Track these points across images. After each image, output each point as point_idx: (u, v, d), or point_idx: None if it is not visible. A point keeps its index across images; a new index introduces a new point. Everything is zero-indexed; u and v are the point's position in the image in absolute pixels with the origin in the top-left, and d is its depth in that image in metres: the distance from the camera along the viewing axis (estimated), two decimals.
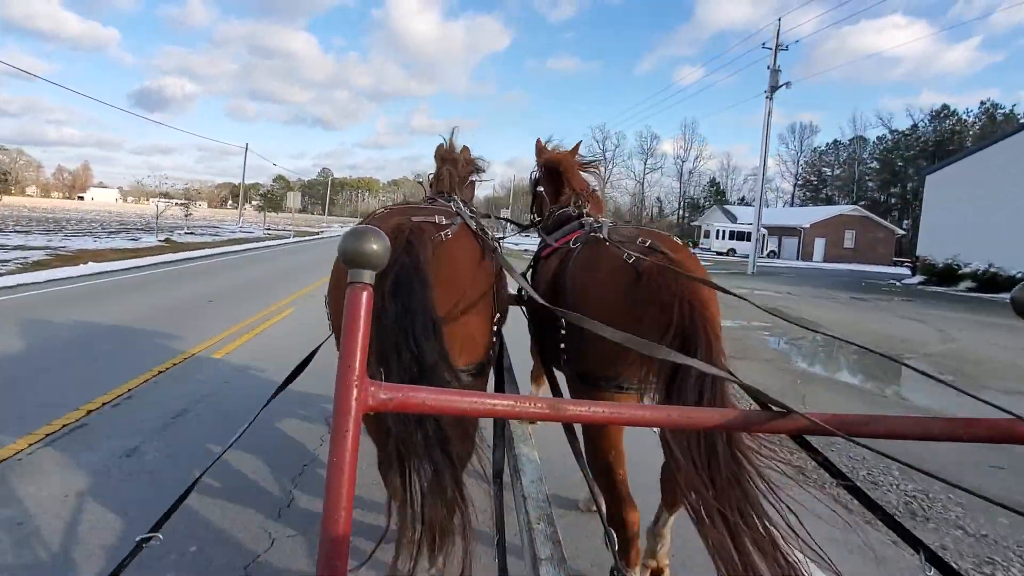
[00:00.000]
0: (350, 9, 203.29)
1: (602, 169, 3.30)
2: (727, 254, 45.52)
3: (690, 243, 61.30)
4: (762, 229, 47.13)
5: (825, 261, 43.40)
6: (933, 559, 1.05)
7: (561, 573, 1.21)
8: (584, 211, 2.71)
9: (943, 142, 57.14)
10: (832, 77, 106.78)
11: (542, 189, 3.08)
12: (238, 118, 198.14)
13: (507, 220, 3.98)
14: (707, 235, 49.65)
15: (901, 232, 48.80)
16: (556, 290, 2.10)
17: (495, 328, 1.92)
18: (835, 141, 74.40)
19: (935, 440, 1.00)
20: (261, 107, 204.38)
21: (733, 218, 52.13)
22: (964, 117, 60.13)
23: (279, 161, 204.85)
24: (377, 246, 0.85)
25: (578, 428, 1.80)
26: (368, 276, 0.86)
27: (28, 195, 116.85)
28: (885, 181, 65.13)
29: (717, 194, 73.67)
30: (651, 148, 77.96)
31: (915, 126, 62.19)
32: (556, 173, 2.99)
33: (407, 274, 1.52)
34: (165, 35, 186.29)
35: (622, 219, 67.25)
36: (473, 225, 2.00)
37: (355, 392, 0.84)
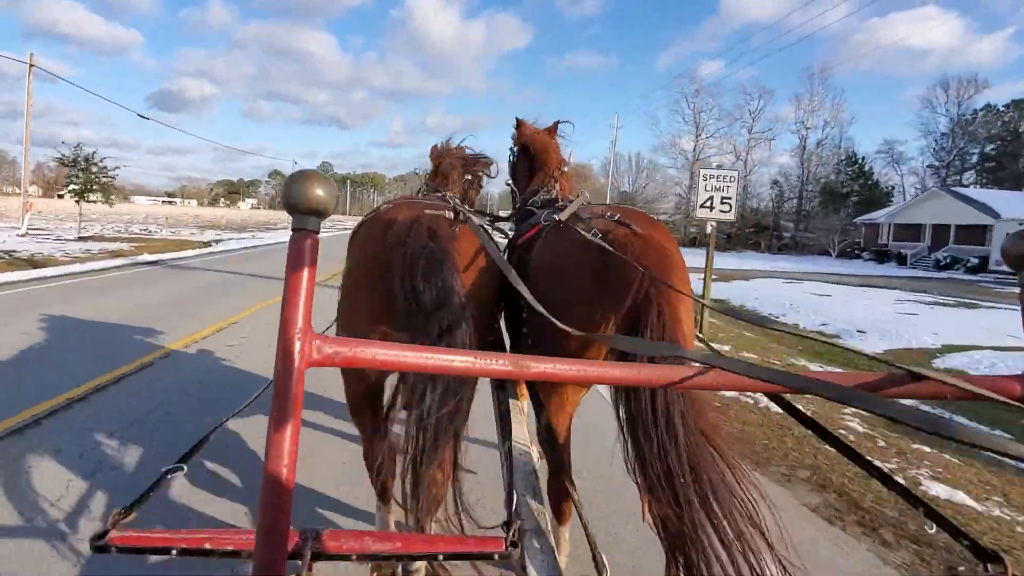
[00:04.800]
0: (368, 10, 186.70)
1: (569, 153, 2.96)
2: None
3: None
4: None
5: None
6: (931, 514, 1.15)
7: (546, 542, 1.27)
8: (554, 195, 2.71)
9: None
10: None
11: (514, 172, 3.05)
12: (254, 119, 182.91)
13: (492, 217, 3.26)
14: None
15: None
16: (523, 274, 2.05)
17: (498, 317, 2.16)
18: (987, 106, 46.90)
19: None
20: (278, 107, 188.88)
21: (989, 211, 27.90)
22: None
23: (292, 158, 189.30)
24: (323, 191, 0.78)
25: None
26: (313, 223, 0.79)
27: None
28: None
29: (861, 174, 47.55)
30: (758, 111, 48.74)
31: None
32: (529, 153, 2.93)
33: (437, 258, 1.65)
34: (185, 38, 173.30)
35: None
36: (475, 221, 2.08)
37: (298, 345, 0.78)
